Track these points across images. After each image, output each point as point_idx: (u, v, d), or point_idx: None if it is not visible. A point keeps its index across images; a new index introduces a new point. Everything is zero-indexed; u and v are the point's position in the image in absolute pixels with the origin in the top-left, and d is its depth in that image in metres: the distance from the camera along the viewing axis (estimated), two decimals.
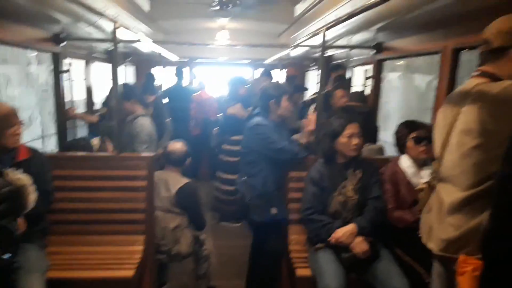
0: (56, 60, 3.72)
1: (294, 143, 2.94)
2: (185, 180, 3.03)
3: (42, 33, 3.36)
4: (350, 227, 2.38)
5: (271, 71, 5.79)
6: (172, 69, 6.39)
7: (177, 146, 3.13)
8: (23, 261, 2.21)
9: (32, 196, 1.38)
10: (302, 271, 2.48)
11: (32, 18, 3.02)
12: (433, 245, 1.75)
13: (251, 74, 8.03)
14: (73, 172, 2.81)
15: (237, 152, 4.48)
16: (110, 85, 5.07)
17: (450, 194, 1.69)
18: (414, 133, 2.48)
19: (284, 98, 2.86)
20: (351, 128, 2.51)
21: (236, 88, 4.76)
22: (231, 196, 4.73)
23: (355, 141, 2.49)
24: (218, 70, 8.57)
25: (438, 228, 1.73)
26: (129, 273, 2.47)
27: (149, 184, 2.80)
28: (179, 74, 6.23)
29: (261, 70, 5.96)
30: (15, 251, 1.30)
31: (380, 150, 3.11)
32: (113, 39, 2.76)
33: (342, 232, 2.36)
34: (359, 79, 4.70)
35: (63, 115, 3.82)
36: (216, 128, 5.32)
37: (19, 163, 2.31)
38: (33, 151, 2.46)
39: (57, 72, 3.75)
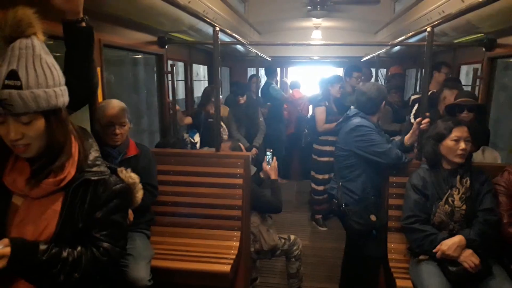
0: (160, 62, 3.98)
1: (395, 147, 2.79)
2: None
3: (149, 37, 3.61)
4: (458, 239, 2.19)
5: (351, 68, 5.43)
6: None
7: None
8: (131, 248, 2.38)
9: (140, 193, 1.47)
10: (403, 282, 2.35)
11: (141, 24, 3.25)
12: None
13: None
14: (176, 167, 2.96)
15: (325, 152, 4.53)
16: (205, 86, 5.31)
17: None
18: None
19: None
20: (459, 131, 2.31)
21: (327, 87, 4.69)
22: (321, 195, 4.74)
23: (462, 145, 2.29)
24: (313, 69, 8.49)
25: None
26: (226, 267, 2.54)
27: (245, 182, 2.86)
28: (269, 73, 6.30)
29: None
30: (125, 244, 1.40)
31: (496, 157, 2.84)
32: (214, 42, 2.83)
33: (449, 244, 2.18)
34: (467, 80, 4.36)
35: (165, 113, 4.07)
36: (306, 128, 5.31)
37: (129, 159, 2.49)
38: (141, 148, 2.63)
39: (161, 72, 4.01)
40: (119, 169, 1.41)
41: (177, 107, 4.19)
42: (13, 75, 1.09)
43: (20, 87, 1.09)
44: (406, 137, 2.71)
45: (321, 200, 4.78)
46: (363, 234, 2.71)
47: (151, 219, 2.74)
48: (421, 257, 2.30)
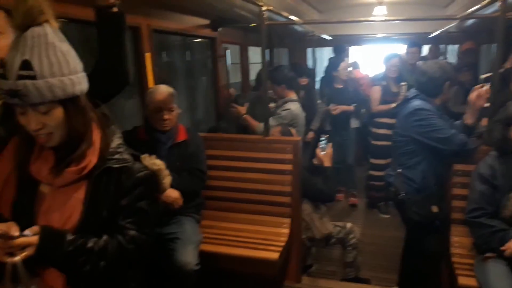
0: (214, 45, 3.94)
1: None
2: None
3: (201, 20, 3.57)
4: None
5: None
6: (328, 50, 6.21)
7: None
8: (180, 232, 2.42)
9: (167, 179, 1.43)
10: (466, 280, 2.14)
11: (192, 8, 3.21)
12: None
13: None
14: (225, 152, 2.94)
15: (381, 135, 4.28)
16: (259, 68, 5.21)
17: None
18: None
19: None
20: None
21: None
22: (378, 182, 4.50)
23: None
24: (377, 47, 8.06)
25: None
26: (274, 255, 2.48)
27: (295, 168, 2.76)
28: (338, 51, 6.03)
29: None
30: (152, 232, 1.36)
31: None
32: (260, 22, 2.75)
33: None
34: None
35: (220, 97, 4.05)
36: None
37: (178, 144, 2.51)
38: (190, 133, 2.62)
39: (215, 56, 3.97)
40: (142, 156, 1.39)
41: (232, 89, 4.15)
42: (26, 65, 1.08)
43: (34, 77, 1.08)
44: (466, 116, 2.42)
45: (379, 186, 4.53)
46: (424, 226, 2.51)
47: (201, 203, 2.74)
48: (488, 254, 2.07)
